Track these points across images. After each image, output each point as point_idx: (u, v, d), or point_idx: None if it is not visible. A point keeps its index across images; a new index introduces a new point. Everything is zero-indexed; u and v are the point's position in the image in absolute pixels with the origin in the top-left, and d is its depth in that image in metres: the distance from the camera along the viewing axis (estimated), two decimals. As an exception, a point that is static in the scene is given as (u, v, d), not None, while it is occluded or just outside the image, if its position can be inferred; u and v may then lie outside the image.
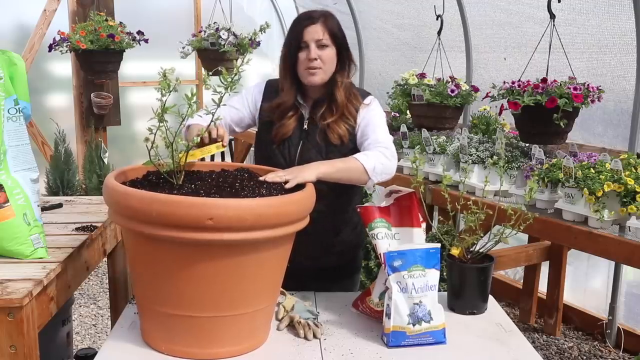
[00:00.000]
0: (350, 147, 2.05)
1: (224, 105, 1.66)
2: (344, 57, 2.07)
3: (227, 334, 1.58)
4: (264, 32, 2.91)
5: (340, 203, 2.11)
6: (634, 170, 2.57)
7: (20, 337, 1.51)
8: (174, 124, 1.67)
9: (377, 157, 1.90)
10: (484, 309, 1.90)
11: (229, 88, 1.60)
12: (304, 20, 2.02)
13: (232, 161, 6.23)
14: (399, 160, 3.89)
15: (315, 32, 1.99)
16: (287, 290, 1.89)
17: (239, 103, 2.14)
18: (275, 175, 1.70)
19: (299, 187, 1.68)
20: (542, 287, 4.12)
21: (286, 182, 1.68)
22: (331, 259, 2.18)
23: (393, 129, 4.24)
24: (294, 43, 2.02)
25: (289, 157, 2.05)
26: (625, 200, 2.48)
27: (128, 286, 2.41)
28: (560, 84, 2.95)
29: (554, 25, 3.21)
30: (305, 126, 2.08)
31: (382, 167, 1.90)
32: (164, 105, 1.55)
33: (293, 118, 2.08)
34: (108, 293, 2.58)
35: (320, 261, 2.15)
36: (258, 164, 2.05)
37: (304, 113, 2.10)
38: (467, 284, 1.89)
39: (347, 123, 2.05)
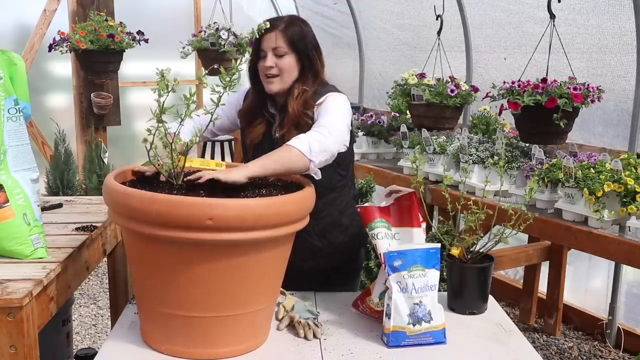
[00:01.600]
0: None
1: (223, 104, 1.65)
2: (305, 66, 2.01)
3: (227, 334, 1.58)
4: (262, 31, 2.89)
5: (322, 205, 1.96)
6: (634, 170, 2.58)
7: (20, 337, 1.51)
8: (173, 125, 1.67)
9: (310, 137, 1.80)
10: (483, 309, 1.90)
11: (227, 87, 1.60)
12: (263, 28, 1.94)
13: (232, 161, 6.23)
14: (399, 160, 3.95)
15: (272, 40, 1.97)
16: (286, 290, 1.89)
17: (220, 109, 2.11)
18: (203, 174, 1.61)
19: (299, 187, 1.68)
20: (542, 287, 4.11)
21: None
22: (319, 262, 2.12)
23: (393, 129, 4.24)
24: (255, 52, 2.02)
25: None
26: (625, 200, 2.48)
27: (128, 286, 2.41)
28: (560, 84, 2.95)
29: (554, 25, 3.21)
30: (275, 132, 2.05)
31: (318, 145, 1.78)
32: (162, 105, 1.55)
33: (261, 124, 2.07)
34: (108, 293, 2.58)
35: (310, 264, 2.10)
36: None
37: (275, 119, 2.07)
38: (467, 284, 1.89)
39: (303, 131, 1.91)
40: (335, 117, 1.93)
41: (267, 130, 2.07)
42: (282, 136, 1.98)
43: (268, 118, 2.08)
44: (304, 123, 1.97)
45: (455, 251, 1.87)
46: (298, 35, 1.99)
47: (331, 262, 2.16)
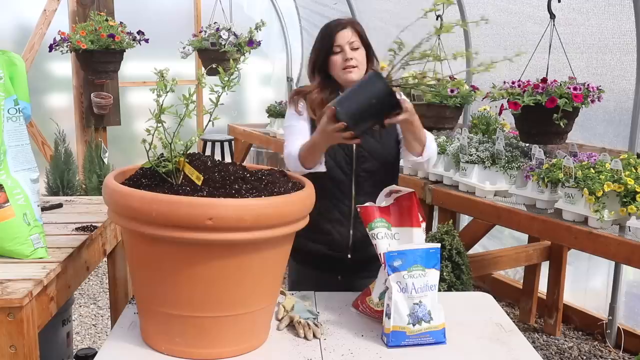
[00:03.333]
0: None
1: (222, 104, 1.65)
2: (371, 56, 2.22)
3: (227, 334, 1.58)
4: (260, 29, 2.93)
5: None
6: (634, 170, 2.57)
7: (20, 337, 1.51)
8: (173, 125, 1.67)
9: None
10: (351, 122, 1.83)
11: (226, 87, 1.60)
12: (335, 27, 2.17)
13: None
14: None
15: (348, 36, 2.15)
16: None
17: (302, 127, 2.19)
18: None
19: (299, 187, 1.68)
20: (542, 287, 4.12)
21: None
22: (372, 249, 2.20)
23: (393, 129, 4.24)
24: (327, 48, 2.16)
25: (347, 147, 2.14)
26: (625, 200, 2.48)
27: (128, 286, 2.41)
28: (560, 84, 2.95)
29: (554, 25, 3.21)
30: None
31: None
32: (162, 105, 1.55)
33: None
34: (108, 293, 2.58)
35: (365, 252, 2.13)
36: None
37: None
38: (361, 94, 1.81)
39: None
40: None
41: None
42: None
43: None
44: None
45: (384, 65, 1.83)
46: (364, 32, 2.22)
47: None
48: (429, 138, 2.15)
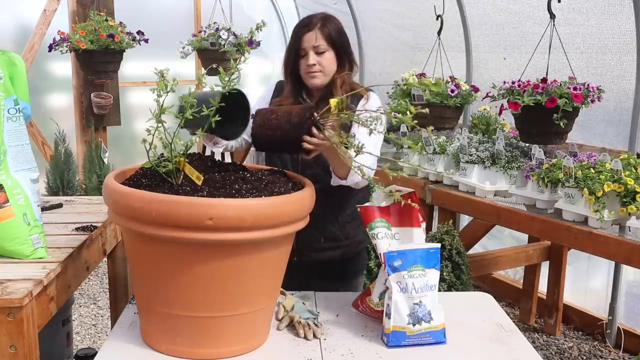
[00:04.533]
0: None
1: (222, 104, 1.65)
2: (343, 59, 2.14)
3: (227, 334, 1.58)
4: (260, 30, 2.89)
5: (346, 195, 2.15)
6: (634, 170, 2.57)
7: (20, 337, 1.51)
8: (173, 125, 1.67)
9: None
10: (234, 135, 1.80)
11: (226, 87, 1.60)
12: (301, 28, 2.11)
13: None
14: (399, 160, 3.94)
15: (312, 39, 2.08)
16: (291, 290, 1.90)
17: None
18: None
19: (299, 187, 1.68)
20: (542, 287, 4.12)
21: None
22: (337, 252, 2.22)
23: (393, 129, 4.24)
24: (294, 51, 2.12)
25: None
26: (625, 200, 2.48)
27: (128, 286, 2.41)
28: (560, 84, 2.95)
29: (553, 25, 3.21)
30: None
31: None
32: (162, 106, 1.55)
33: None
34: (108, 293, 2.58)
35: (328, 254, 2.20)
36: (268, 161, 2.20)
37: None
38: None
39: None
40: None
41: None
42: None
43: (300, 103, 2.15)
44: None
45: (333, 102, 1.71)
46: (335, 31, 2.12)
47: (345, 254, 2.25)
48: (356, 165, 1.94)
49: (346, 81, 2.15)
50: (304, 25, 2.11)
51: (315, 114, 1.73)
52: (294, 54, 2.13)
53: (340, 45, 2.13)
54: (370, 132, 1.65)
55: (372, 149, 1.87)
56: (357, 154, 1.68)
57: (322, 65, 2.09)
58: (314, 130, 1.72)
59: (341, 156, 1.79)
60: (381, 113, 1.69)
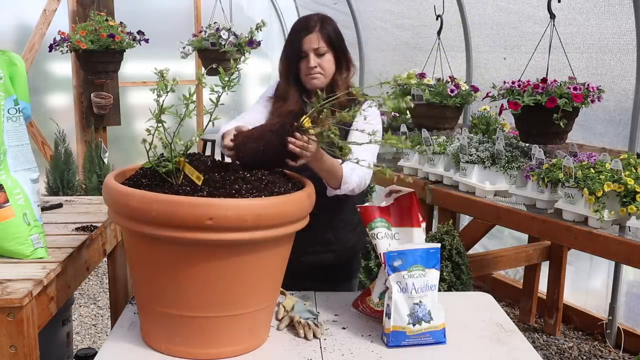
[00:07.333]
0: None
1: (222, 104, 1.66)
2: (341, 60, 2.16)
3: (227, 334, 1.58)
4: (260, 30, 2.93)
5: (337, 200, 2.10)
6: (634, 170, 2.58)
7: (20, 337, 1.51)
8: (173, 125, 1.67)
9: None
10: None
11: (226, 87, 1.60)
12: (300, 31, 2.11)
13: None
14: (399, 160, 3.95)
15: (313, 42, 2.09)
16: (285, 290, 1.89)
17: (260, 106, 2.24)
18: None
19: (299, 187, 1.68)
20: (542, 287, 4.12)
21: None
22: (329, 256, 2.21)
23: (393, 129, 4.24)
24: (294, 53, 2.12)
25: None
26: (625, 200, 2.48)
27: (128, 286, 2.41)
28: (560, 84, 2.95)
29: (553, 25, 3.21)
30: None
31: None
32: (162, 105, 1.55)
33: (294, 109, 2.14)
34: (108, 293, 2.58)
35: (319, 257, 2.20)
36: None
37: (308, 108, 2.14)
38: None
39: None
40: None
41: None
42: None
43: (302, 106, 2.15)
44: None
45: (307, 124, 1.70)
46: (333, 32, 2.13)
47: (338, 258, 2.24)
48: (346, 172, 1.97)
49: (345, 81, 2.16)
50: (303, 28, 2.11)
51: (295, 123, 1.72)
52: (294, 57, 2.13)
53: (338, 46, 2.14)
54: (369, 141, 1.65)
55: (369, 157, 1.88)
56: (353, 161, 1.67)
57: (322, 67, 2.10)
58: (297, 135, 1.70)
59: (328, 163, 1.79)
60: (380, 111, 1.69)
